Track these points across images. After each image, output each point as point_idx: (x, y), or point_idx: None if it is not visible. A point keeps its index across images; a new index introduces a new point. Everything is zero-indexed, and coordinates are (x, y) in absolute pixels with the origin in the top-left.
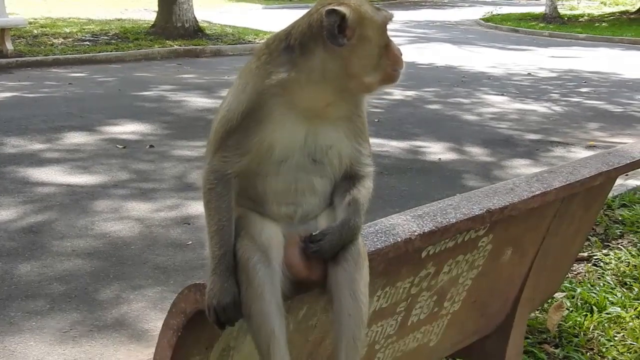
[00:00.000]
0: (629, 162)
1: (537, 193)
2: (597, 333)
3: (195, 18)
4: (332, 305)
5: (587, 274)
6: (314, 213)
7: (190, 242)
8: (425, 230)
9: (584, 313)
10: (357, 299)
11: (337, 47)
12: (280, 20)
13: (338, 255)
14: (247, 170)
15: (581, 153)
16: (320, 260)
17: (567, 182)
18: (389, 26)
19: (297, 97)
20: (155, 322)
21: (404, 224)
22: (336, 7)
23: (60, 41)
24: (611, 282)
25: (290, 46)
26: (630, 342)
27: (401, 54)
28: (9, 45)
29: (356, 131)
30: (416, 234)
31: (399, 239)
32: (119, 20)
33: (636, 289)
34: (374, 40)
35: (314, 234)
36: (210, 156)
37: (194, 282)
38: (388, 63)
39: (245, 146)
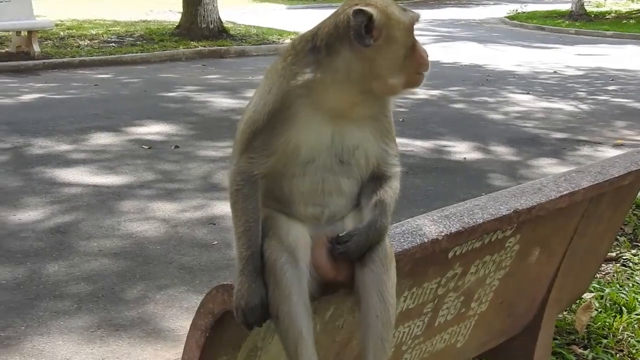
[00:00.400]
0: None
1: (565, 193)
2: (627, 334)
3: (219, 19)
4: (360, 306)
5: (615, 274)
6: (340, 214)
7: (216, 242)
8: (452, 231)
9: (613, 314)
10: (384, 300)
11: (363, 47)
12: (304, 20)
13: (365, 256)
14: (274, 171)
15: (609, 152)
16: (347, 261)
17: (596, 182)
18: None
19: (322, 98)
20: (181, 322)
21: (431, 224)
22: (363, 8)
23: (86, 43)
24: None
25: (317, 47)
26: None
27: (427, 55)
28: (36, 47)
29: (382, 131)
30: (443, 234)
31: (426, 240)
32: (144, 21)
33: None
34: (401, 41)
35: (340, 235)
36: (237, 157)
37: (221, 282)
38: (413, 64)
39: (271, 147)
